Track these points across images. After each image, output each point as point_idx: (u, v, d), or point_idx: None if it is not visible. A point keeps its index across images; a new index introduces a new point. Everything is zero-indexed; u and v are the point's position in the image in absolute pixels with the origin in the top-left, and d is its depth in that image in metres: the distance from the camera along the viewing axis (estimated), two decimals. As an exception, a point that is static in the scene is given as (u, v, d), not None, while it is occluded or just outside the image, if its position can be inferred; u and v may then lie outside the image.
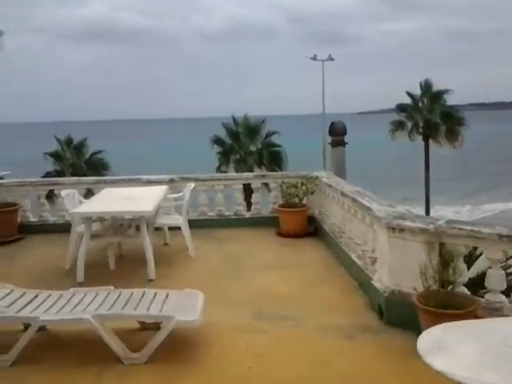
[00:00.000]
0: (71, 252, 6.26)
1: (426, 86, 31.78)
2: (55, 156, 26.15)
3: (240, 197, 8.46)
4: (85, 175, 26.44)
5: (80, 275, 5.78)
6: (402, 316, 4.37)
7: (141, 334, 4.29)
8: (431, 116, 30.99)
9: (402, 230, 4.39)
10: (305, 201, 7.98)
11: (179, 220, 6.66)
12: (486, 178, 47.34)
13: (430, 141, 30.70)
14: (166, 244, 7.30)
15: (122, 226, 6.57)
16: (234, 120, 25.34)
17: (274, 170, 25.74)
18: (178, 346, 4.07)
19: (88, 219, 5.85)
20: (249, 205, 8.64)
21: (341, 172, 7.78)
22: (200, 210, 8.43)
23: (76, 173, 26.50)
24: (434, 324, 2.81)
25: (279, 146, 25.65)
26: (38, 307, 4.16)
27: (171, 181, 8.18)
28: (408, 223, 4.38)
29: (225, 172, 25.55)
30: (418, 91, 31.54)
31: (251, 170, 25.67)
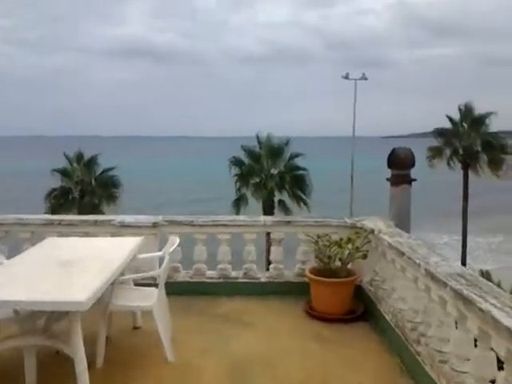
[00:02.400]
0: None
1: (466, 110, 28.88)
2: (63, 172, 24.35)
3: (253, 251, 5.83)
4: (93, 193, 24.54)
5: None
6: None
7: None
8: (470, 142, 28.00)
9: None
10: (350, 265, 5.30)
11: (150, 300, 4.06)
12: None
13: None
14: (136, 328, 4.72)
15: (53, 313, 3.95)
16: (258, 139, 22.99)
17: (296, 196, 23.20)
18: None
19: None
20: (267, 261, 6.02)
21: (404, 221, 5.20)
22: (195, 267, 5.83)
23: (84, 190, 24.52)
24: None
25: (304, 169, 23.30)
26: None
27: (154, 225, 5.61)
28: None
29: (243, 194, 23.14)
30: (456, 116, 28.66)
31: (271, 195, 23.15)
